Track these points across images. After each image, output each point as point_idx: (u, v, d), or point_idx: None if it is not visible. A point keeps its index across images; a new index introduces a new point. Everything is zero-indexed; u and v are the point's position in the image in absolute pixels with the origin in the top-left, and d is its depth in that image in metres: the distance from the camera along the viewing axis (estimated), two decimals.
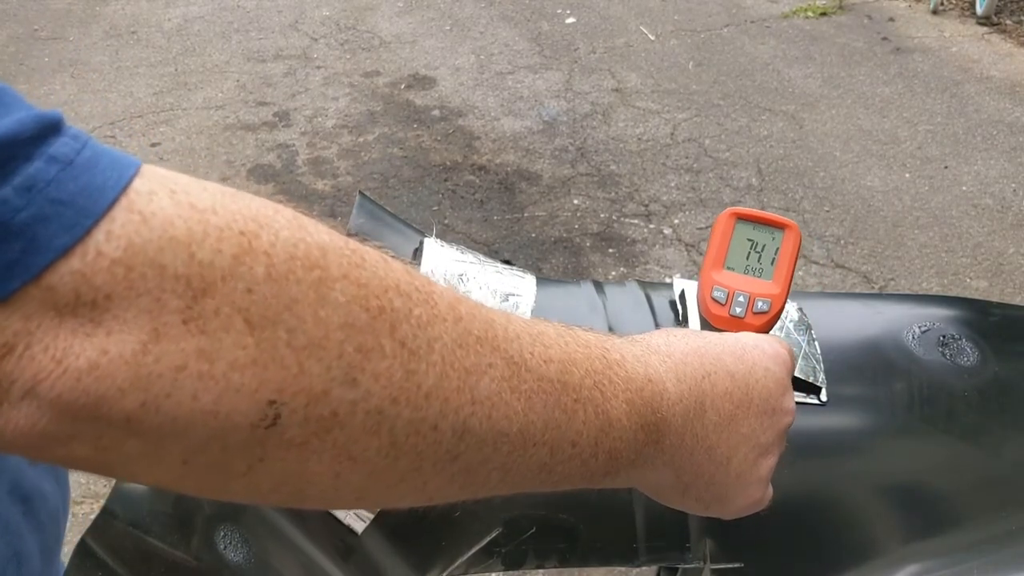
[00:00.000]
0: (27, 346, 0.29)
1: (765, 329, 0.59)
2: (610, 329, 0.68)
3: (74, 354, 0.30)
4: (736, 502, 0.52)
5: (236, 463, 0.34)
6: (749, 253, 0.61)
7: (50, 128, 0.31)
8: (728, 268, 0.61)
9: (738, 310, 0.59)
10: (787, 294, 0.60)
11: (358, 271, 0.35)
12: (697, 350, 0.50)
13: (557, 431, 0.41)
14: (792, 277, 0.61)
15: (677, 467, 0.48)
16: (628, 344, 0.48)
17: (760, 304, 0.59)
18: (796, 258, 0.61)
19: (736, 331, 0.56)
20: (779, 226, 0.61)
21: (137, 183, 0.31)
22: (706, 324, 0.60)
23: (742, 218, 0.62)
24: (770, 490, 0.53)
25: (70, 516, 0.75)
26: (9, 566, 0.59)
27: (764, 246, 0.61)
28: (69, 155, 0.30)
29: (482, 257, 0.73)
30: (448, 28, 4.43)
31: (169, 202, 0.31)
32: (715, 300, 0.60)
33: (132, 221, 0.30)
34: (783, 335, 0.68)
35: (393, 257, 0.37)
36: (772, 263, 0.60)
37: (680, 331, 0.52)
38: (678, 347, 0.49)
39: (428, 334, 0.36)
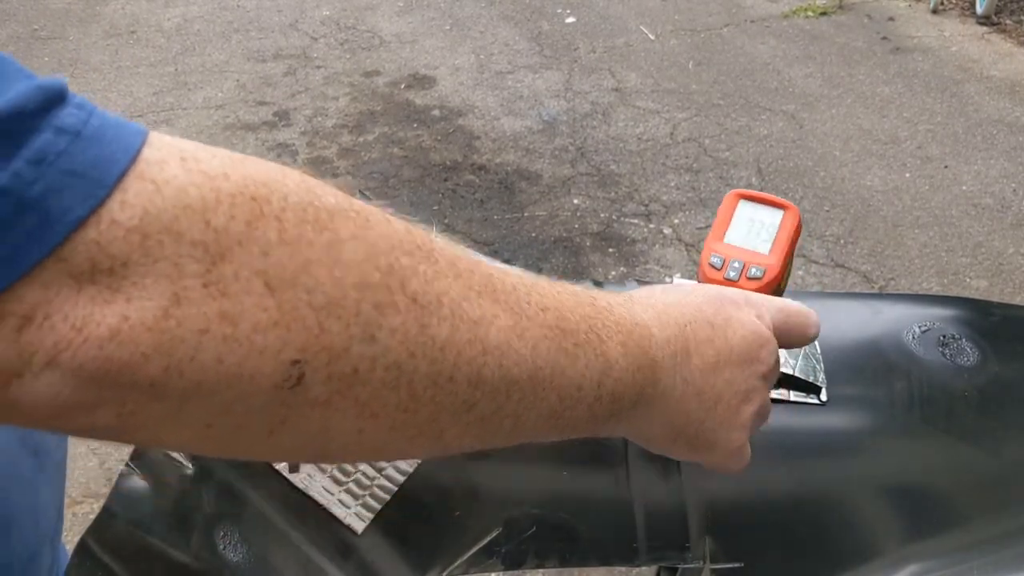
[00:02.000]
0: (46, 316, 0.29)
1: None
2: None
3: (95, 322, 0.30)
4: (721, 448, 0.52)
5: (260, 425, 0.34)
6: (749, 230, 0.63)
7: (55, 98, 0.30)
8: (727, 241, 0.63)
9: (732, 274, 0.61)
10: (783, 269, 0.61)
11: (366, 231, 0.36)
12: (678, 301, 0.51)
13: (563, 376, 0.42)
14: (790, 255, 0.62)
15: (671, 411, 0.49)
16: (611, 295, 0.49)
17: (754, 270, 0.61)
18: (795, 238, 0.62)
19: None
20: (780, 207, 0.63)
21: (146, 152, 0.31)
22: None
23: (745, 198, 0.64)
24: (748, 450, 0.54)
25: (69, 516, 0.74)
26: (28, 519, 0.59)
27: (764, 223, 0.63)
28: (76, 126, 0.30)
29: (482, 257, 0.73)
30: (448, 28, 4.43)
31: (180, 170, 0.31)
32: (711, 266, 0.62)
33: (145, 190, 0.30)
34: None
35: (393, 215, 0.38)
36: (771, 240, 0.62)
37: (660, 286, 0.53)
38: (659, 298, 0.51)
39: (436, 289, 0.37)
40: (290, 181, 0.35)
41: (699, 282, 0.61)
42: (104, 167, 0.30)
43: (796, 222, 0.62)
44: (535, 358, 0.41)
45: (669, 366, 0.48)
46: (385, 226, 0.37)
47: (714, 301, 0.52)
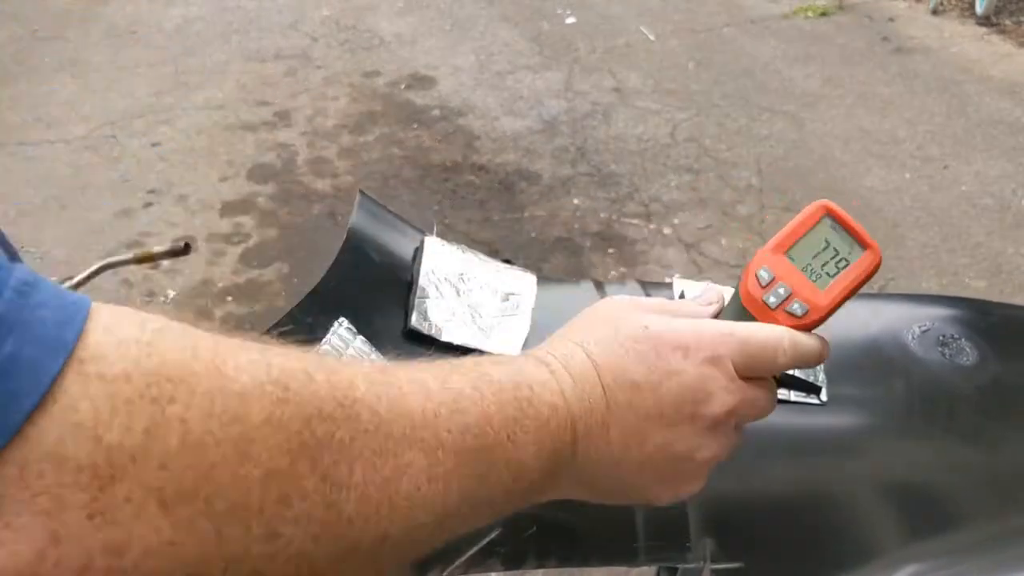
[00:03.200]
0: None
1: None
2: None
3: None
4: (665, 497, 0.51)
5: None
6: (818, 254, 0.54)
7: None
8: (789, 257, 0.54)
9: (772, 300, 0.53)
10: (831, 311, 0.54)
11: (281, 408, 0.33)
12: (606, 356, 0.48)
13: (474, 499, 0.41)
14: (846, 299, 0.54)
15: (590, 480, 0.49)
16: (537, 368, 0.47)
17: (796, 306, 0.53)
18: (862, 283, 0.54)
19: (763, 320, 0.53)
20: (863, 244, 0.54)
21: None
22: (736, 300, 0.55)
23: (831, 215, 0.55)
24: (699, 484, 0.52)
25: None
26: None
27: (838, 255, 0.54)
28: None
29: (483, 256, 0.73)
30: (448, 28, 4.43)
31: (75, 381, 0.28)
32: (757, 279, 0.54)
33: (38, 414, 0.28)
34: None
35: (317, 363, 0.36)
36: (834, 277, 0.54)
37: (601, 325, 0.50)
38: (591, 347, 0.48)
39: (350, 456, 0.35)
40: (199, 366, 0.31)
41: (737, 288, 0.55)
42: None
43: (872, 267, 0.54)
44: (446, 495, 0.39)
45: (583, 446, 0.47)
46: (304, 392, 0.34)
47: (648, 356, 0.48)
